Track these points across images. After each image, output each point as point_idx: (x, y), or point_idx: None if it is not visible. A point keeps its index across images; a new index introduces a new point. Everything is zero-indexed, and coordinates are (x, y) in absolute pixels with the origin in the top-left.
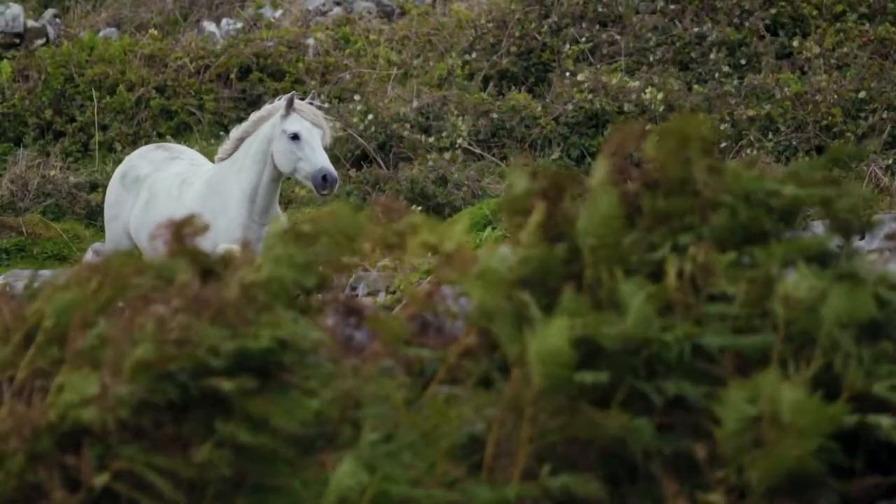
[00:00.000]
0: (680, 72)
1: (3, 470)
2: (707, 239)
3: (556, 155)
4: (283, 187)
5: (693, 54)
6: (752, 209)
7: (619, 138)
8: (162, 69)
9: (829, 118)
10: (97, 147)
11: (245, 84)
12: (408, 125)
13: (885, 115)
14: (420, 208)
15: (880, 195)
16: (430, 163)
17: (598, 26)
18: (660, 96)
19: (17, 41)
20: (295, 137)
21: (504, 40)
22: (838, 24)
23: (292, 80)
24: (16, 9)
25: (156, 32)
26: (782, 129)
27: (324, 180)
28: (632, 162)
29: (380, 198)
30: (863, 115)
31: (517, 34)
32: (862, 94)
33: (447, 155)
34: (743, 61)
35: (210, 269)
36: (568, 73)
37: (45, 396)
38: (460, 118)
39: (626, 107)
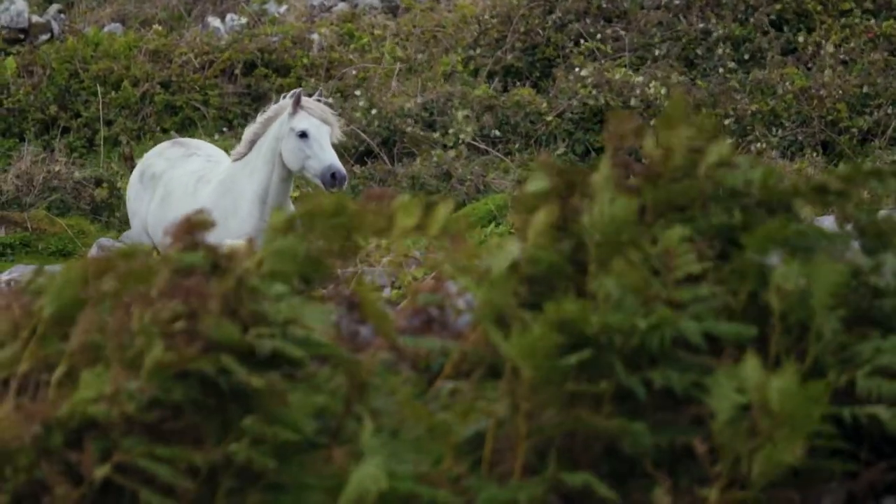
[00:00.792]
0: (684, 67)
1: (12, 466)
2: (705, 231)
3: (560, 150)
4: (298, 184)
5: (698, 50)
6: (743, 202)
7: (617, 131)
8: (166, 64)
9: (835, 113)
10: (102, 142)
11: (250, 79)
12: (412, 120)
13: (890, 111)
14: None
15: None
16: (434, 158)
17: (602, 22)
18: (664, 91)
19: (22, 37)
20: (303, 135)
21: (508, 36)
22: (843, 20)
23: (297, 75)
24: (20, 4)
25: (160, 28)
26: (787, 124)
27: (333, 178)
28: (634, 156)
29: (370, 188)
30: (868, 110)
31: (521, 30)
32: (866, 90)
33: (451, 151)
34: (747, 56)
35: (217, 263)
36: (573, 69)
37: (48, 390)
38: (461, 113)
39: (630, 102)
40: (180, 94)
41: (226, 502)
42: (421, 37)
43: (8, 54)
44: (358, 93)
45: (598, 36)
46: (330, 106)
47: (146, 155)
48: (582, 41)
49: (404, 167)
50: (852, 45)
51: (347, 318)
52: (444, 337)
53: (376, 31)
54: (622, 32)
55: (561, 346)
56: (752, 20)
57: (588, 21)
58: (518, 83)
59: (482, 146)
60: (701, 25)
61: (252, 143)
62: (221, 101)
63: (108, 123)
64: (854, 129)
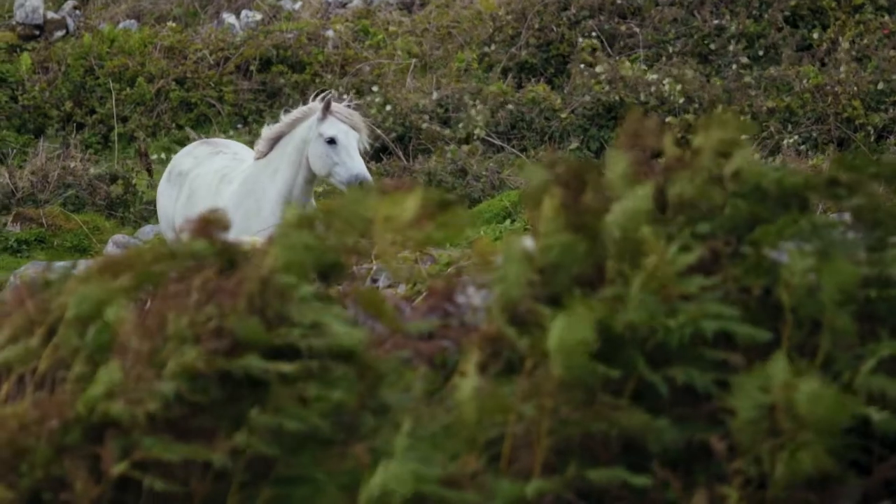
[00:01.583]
0: (699, 64)
1: (29, 462)
2: (723, 227)
3: (573, 146)
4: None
5: (712, 46)
6: (759, 198)
7: (634, 131)
8: (181, 61)
9: (850, 110)
10: (117, 139)
11: (264, 76)
12: (427, 117)
13: None
14: None
15: None
16: (449, 154)
17: (616, 18)
18: (678, 88)
19: (37, 33)
20: (331, 141)
21: (523, 32)
22: (858, 16)
23: (312, 72)
24: (36, 0)
25: (175, 24)
26: (802, 121)
27: (360, 186)
28: (651, 155)
29: (386, 180)
30: (883, 107)
31: (536, 26)
32: (881, 86)
33: (465, 147)
34: (762, 53)
35: (234, 260)
36: (586, 65)
37: (66, 387)
38: (474, 108)
39: (644, 98)
40: (195, 91)
41: (239, 497)
42: (436, 33)
43: (23, 51)
44: (375, 89)
45: (613, 33)
46: (359, 111)
47: (177, 154)
48: (581, 38)
49: (420, 164)
50: (867, 41)
51: (364, 314)
52: (460, 333)
53: (391, 28)
54: (636, 29)
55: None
56: (766, 16)
57: (602, 17)
58: (533, 79)
59: (497, 142)
60: (715, 22)
61: (274, 141)
62: (236, 98)
63: (123, 120)
64: (869, 127)
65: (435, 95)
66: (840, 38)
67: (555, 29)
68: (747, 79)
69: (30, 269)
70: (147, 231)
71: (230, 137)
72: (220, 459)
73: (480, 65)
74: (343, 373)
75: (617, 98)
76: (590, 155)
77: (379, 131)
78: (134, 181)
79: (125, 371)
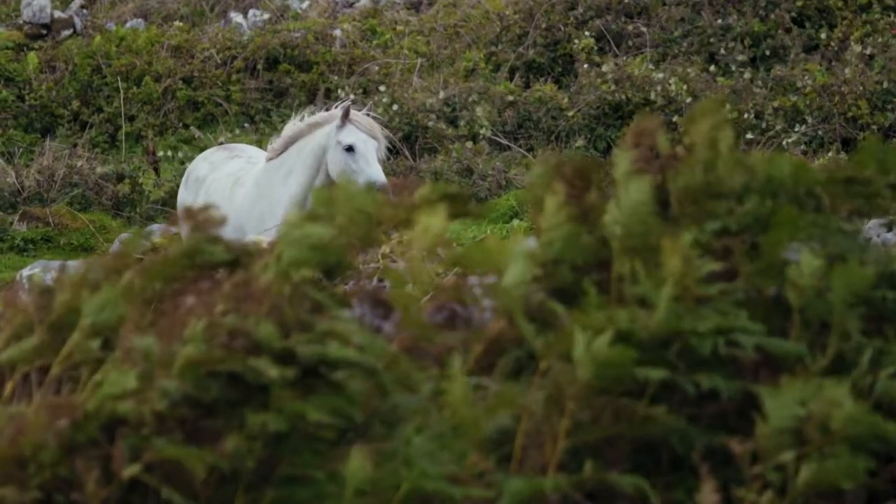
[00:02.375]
0: (705, 63)
1: (36, 462)
2: (733, 226)
3: (579, 144)
4: None
5: (719, 45)
6: (775, 196)
7: (638, 130)
8: (189, 60)
9: (856, 110)
10: (124, 138)
11: (272, 75)
12: (433, 116)
13: None
14: None
15: None
16: (455, 154)
17: (623, 17)
18: (685, 87)
19: (45, 32)
20: (350, 149)
21: (530, 31)
22: (865, 16)
23: (319, 71)
24: (43, 0)
25: (182, 24)
26: (808, 120)
27: None
28: (654, 154)
29: (395, 179)
30: (889, 107)
31: (543, 25)
32: (887, 86)
33: (470, 145)
34: (768, 52)
35: (237, 259)
36: (591, 65)
37: (76, 388)
38: (478, 107)
39: (651, 97)
40: (202, 90)
41: (245, 499)
42: (443, 32)
43: (30, 50)
44: (382, 88)
45: (620, 32)
46: (379, 121)
47: (195, 159)
48: (577, 40)
49: (426, 163)
50: (874, 41)
51: (370, 314)
52: (469, 332)
53: (399, 27)
54: (643, 28)
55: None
56: (772, 16)
57: (609, 17)
58: (540, 79)
59: (504, 142)
60: (720, 21)
61: (291, 142)
62: (243, 97)
63: (130, 119)
64: (875, 126)
65: (442, 95)
66: (850, 39)
67: (562, 28)
68: (753, 78)
69: (36, 268)
70: (153, 230)
71: (237, 136)
72: (228, 463)
73: (488, 64)
74: (351, 377)
75: (624, 97)
76: (596, 154)
77: (390, 134)
78: (140, 180)
79: (141, 375)
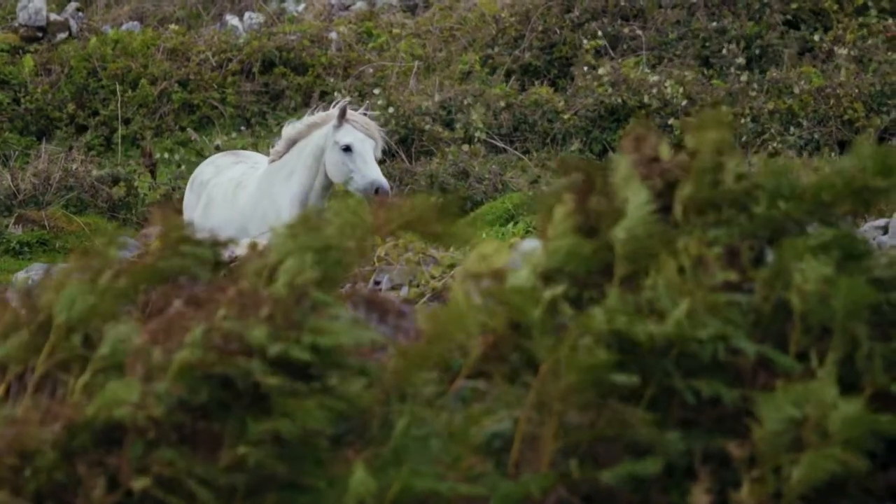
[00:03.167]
0: (700, 66)
1: (32, 466)
2: (739, 233)
3: (574, 147)
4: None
5: (714, 48)
6: (787, 203)
7: (637, 136)
8: (184, 63)
9: (852, 112)
10: (119, 141)
11: (267, 78)
12: (429, 119)
13: None
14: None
15: None
16: (451, 156)
17: (619, 20)
18: (681, 90)
19: (40, 35)
20: (347, 149)
21: (526, 34)
22: (860, 19)
23: (315, 74)
24: (38, 2)
25: (178, 26)
26: (804, 123)
27: (376, 192)
28: (653, 159)
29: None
30: (885, 109)
31: (539, 28)
32: (883, 88)
33: (466, 147)
34: (762, 55)
35: (219, 261)
36: (588, 68)
37: (66, 391)
38: (474, 110)
39: (646, 100)
40: (198, 93)
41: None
42: (439, 35)
43: (26, 52)
44: (377, 91)
45: (616, 35)
46: (375, 120)
47: (202, 163)
48: (586, 41)
49: (422, 166)
50: (869, 43)
51: (366, 317)
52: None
53: (394, 30)
54: (639, 31)
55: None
56: (766, 19)
57: (606, 20)
58: (536, 82)
59: (500, 144)
60: (716, 24)
61: (292, 142)
62: (239, 100)
63: (126, 122)
64: (871, 129)
65: (438, 97)
66: (842, 42)
67: (558, 31)
68: (749, 80)
69: (32, 271)
70: (149, 233)
71: (232, 139)
72: (227, 477)
73: (484, 67)
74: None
75: (620, 100)
76: (592, 157)
77: (385, 137)
78: (136, 183)
79: (141, 379)
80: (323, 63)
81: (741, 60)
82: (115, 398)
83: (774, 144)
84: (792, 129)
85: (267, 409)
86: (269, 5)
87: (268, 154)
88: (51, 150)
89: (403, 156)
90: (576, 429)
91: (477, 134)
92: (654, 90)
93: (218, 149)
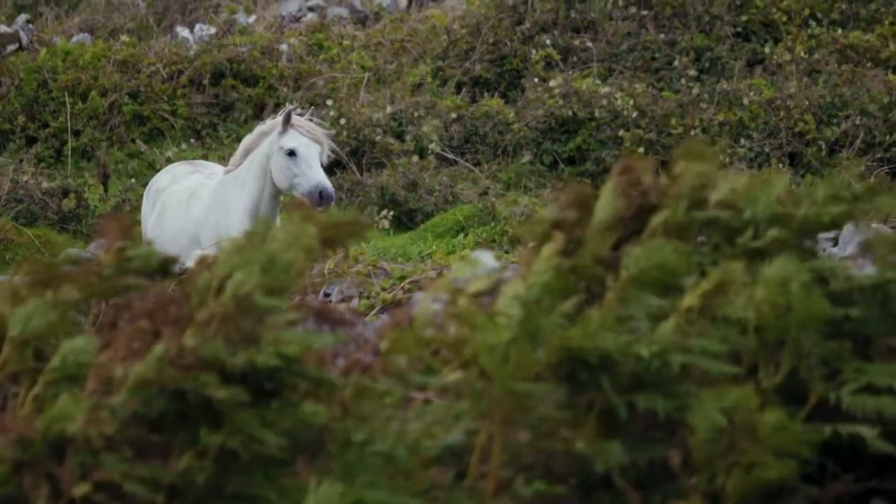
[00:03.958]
0: (651, 78)
1: None
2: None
3: (527, 159)
4: None
5: (664, 60)
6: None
7: (625, 165)
8: (135, 75)
9: (802, 125)
10: (70, 153)
11: (218, 89)
12: (380, 130)
13: (857, 122)
14: (392, 214)
15: None
16: (401, 168)
17: (570, 33)
18: (631, 102)
19: None
20: (291, 154)
21: (477, 46)
22: (809, 30)
23: (266, 85)
24: None
25: (128, 38)
26: (754, 135)
27: (320, 196)
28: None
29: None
30: (835, 121)
31: (490, 40)
32: (833, 100)
33: (415, 159)
34: (712, 66)
35: (166, 271)
36: (539, 80)
37: (19, 403)
38: (425, 122)
39: (597, 112)
40: (148, 105)
41: None
42: (390, 47)
43: None
44: (329, 103)
45: (566, 47)
46: (322, 126)
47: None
48: (535, 52)
49: (373, 177)
50: (818, 55)
51: (316, 328)
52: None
53: (345, 42)
54: (590, 43)
55: (550, 365)
56: (716, 31)
57: (556, 32)
58: (486, 94)
59: (451, 156)
60: (665, 36)
61: (245, 153)
62: (190, 111)
63: (76, 134)
64: (821, 141)
65: (389, 109)
66: (792, 53)
67: (508, 44)
68: (699, 92)
69: None
70: (98, 246)
71: (183, 151)
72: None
73: (435, 79)
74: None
75: (570, 112)
76: (543, 169)
77: (333, 145)
78: (86, 195)
79: (89, 391)
80: (274, 75)
81: (693, 72)
82: (63, 413)
83: (725, 157)
84: (742, 140)
85: (218, 423)
86: (220, 17)
87: (224, 165)
88: (0, 161)
89: (354, 167)
90: (519, 445)
91: (431, 146)
92: (605, 102)
93: (169, 161)
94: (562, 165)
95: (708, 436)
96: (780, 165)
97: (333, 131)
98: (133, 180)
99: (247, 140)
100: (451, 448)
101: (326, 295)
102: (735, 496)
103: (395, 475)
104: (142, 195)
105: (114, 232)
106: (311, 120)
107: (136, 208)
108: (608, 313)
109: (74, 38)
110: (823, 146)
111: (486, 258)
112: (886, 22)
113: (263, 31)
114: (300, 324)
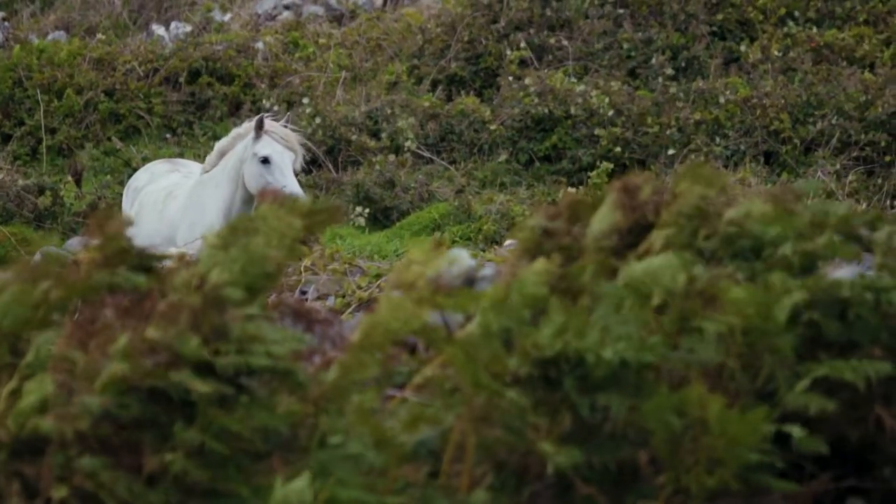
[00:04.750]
0: (626, 76)
1: None
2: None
3: (503, 158)
4: None
5: (640, 59)
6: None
7: (626, 186)
8: (111, 73)
9: (778, 123)
10: (45, 151)
11: (194, 87)
12: (356, 129)
13: (833, 121)
14: (367, 211)
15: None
16: (377, 166)
17: (546, 31)
18: (607, 100)
19: None
20: (265, 161)
21: (453, 45)
22: (785, 29)
23: (241, 83)
24: None
25: (104, 36)
26: (730, 133)
27: None
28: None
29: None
30: (811, 120)
31: (466, 39)
32: (809, 99)
33: (392, 157)
34: (688, 65)
35: (149, 267)
36: (514, 78)
37: None
38: (402, 120)
39: (573, 111)
40: (124, 103)
41: None
42: (366, 45)
43: None
44: (305, 101)
45: (542, 45)
46: (297, 132)
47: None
48: (510, 51)
49: (349, 175)
50: (794, 54)
51: (292, 327)
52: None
53: (321, 40)
54: (565, 42)
55: (522, 363)
56: (692, 29)
57: (532, 31)
58: (462, 92)
59: (426, 154)
60: (642, 34)
61: (221, 154)
62: (165, 109)
63: (52, 132)
64: (797, 140)
65: (364, 108)
66: (767, 52)
67: (483, 42)
68: (675, 91)
69: None
70: (75, 243)
71: (159, 149)
72: (144, 472)
73: (410, 77)
74: (275, 391)
75: (546, 110)
76: (518, 167)
77: (310, 144)
78: (62, 193)
79: (58, 384)
80: (249, 73)
81: (669, 71)
82: (29, 402)
83: (700, 155)
84: (718, 139)
85: (192, 418)
86: (196, 15)
87: (201, 163)
88: None
89: (330, 166)
90: (489, 443)
91: (407, 144)
92: (581, 100)
93: (145, 159)
94: (537, 163)
95: (666, 436)
96: (756, 164)
97: (309, 131)
98: (109, 177)
99: (222, 142)
100: (426, 445)
101: (303, 293)
102: (701, 494)
103: (369, 473)
104: (118, 193)
105: (100, 229)
106: (286, 125)
107: (112, 206)
108: (578, 315)
109: (50, 36)
110: (799, 145)
111: (463, 256)
112: (861, 20)
113: (239, 29)
114: (276, 321)
